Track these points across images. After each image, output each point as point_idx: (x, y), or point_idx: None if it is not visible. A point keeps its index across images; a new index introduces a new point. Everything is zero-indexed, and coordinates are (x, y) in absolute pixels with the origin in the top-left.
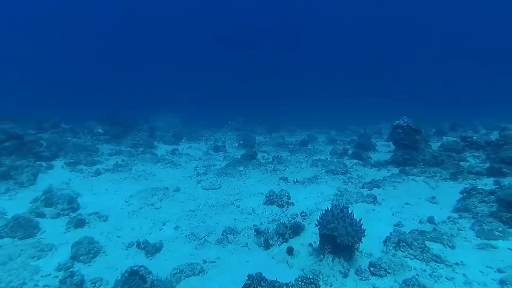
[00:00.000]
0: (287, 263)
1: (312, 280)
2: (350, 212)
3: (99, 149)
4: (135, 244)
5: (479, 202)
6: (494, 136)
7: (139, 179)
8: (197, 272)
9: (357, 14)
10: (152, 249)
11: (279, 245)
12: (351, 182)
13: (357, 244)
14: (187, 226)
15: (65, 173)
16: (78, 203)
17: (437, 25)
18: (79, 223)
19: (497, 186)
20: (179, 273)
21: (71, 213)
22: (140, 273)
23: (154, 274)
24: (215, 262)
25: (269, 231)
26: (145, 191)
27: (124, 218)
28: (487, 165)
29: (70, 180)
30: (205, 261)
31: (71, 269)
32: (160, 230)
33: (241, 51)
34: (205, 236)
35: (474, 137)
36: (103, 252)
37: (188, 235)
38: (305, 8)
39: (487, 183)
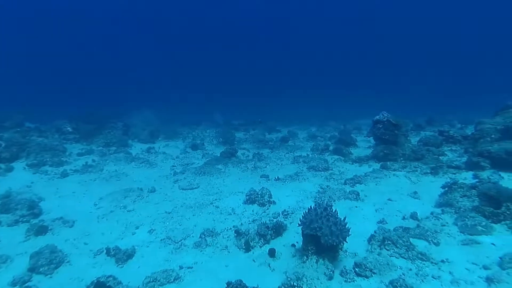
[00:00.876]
0: (269, 266)
1: None
2: (334, 210)
3: (67, 148)
4: (104, 251)
5: (461, 197)
6: (469, 130)
7: (110, 180)
8: (172, 280)
9: (336, 8)
10: (123, 256)
11: (260, 246)
12: (333, 178)
13: (341, 243)
14: (162, 229)
15: (27, 175)
16: (41, 208)
17: (414, 21)
18: (41, 230)
19: (477, 180)
20: (153, 281)
21: (31, 220)
22: (108, 284)
23: (124, 284)
24: (192, 267)
25: (250, 232)
26: (117, 193)
27: (93, 223)
28: (464, 159)
29: (32, 183)
30: (181, 267)
31: (27, 283)
32: (132, 234)
33: (219, 48)
34: (181, 240)
35: (451, 131)
36: (68, 262)
37: (164, 239)
38: (285, 4)
39: (467, 177)
